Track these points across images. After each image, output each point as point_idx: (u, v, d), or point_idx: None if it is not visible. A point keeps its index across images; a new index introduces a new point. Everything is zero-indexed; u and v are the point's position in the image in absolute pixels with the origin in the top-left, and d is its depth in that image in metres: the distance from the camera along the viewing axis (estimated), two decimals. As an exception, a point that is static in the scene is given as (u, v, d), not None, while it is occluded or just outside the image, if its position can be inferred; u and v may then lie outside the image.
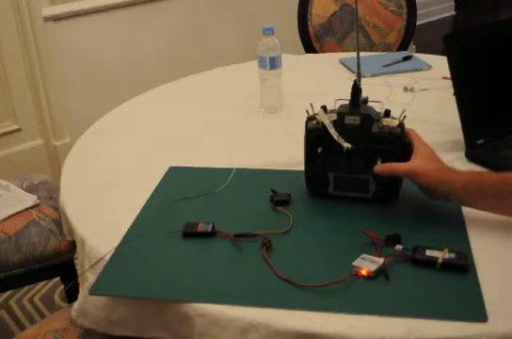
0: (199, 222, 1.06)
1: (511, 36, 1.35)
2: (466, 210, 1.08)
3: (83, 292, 1.03)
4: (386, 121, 1.06)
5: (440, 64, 1.73)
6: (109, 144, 1.44)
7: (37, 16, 2.48)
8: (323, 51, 2.42)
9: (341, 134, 1.06)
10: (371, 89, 1.50)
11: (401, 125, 1.06)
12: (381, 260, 0.93)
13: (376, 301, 0.88)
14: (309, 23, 2.41)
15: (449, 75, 1.29)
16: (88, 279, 1.02)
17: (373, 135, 1.05)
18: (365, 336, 0.83)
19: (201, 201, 1.16)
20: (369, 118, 1.05)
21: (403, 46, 2.43)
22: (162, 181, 1.24)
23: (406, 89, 1.66)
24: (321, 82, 1.75)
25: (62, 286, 1.98)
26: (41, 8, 2.50)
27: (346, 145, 1.05)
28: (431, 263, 0.93)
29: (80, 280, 1.10)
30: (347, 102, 1.08)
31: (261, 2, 3.20)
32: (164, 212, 1.13)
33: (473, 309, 0.85)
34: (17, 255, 1.47)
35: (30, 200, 1.58)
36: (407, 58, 1.90)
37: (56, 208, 1.52)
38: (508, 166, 1.17)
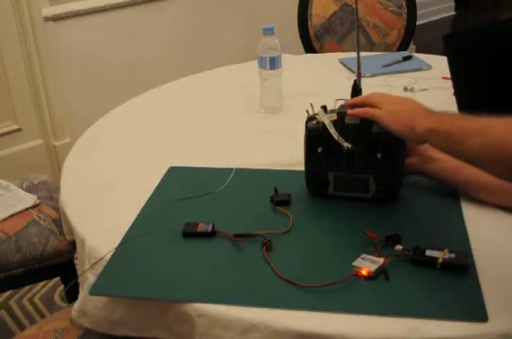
0: (199, 222, 1.06)
1: (511, 36, 1.35)
2: (466, 210, 1.08)
3: (83, 292, 1.03)
4: (386, 121, 1.06)
5: (440, 64, 1.74)
6: (109, 144, 1.44)
7: (37, 16, 2.48)
8: (323, 51, 2.42)
9: (341, 134, 1.06)
10: (371, 89, 1.50)
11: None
12: (381, 260, 0.93)
13: (377, 301, 0.88)
14: (309, 23, 2.41)
15: (449, 75, 1.29)
16: (88, 279, 1.02)
17: (373, 134, 1.05)
18: (366, 336, 0.83)
19: (201, 201, 1.16)
20: (369, 118, 1.05)
21: (403, 46, 2.43)
22: (162, 181, 1.24)
23: (406, 89, 1.66)
24: (321, 82, 1.75)
25: (62, 286, 1.98)
26: (41, 8, 2.50)
27: (346, 145, 1.05)
28: (431, 263, 0.93)
29: (80, 280, 1.10)
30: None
31: (261, 2, 3.20)
32: (164, 212, 1.13)
33: (474, 309, 0.85)
34: (17, 255, 1.47)
35: (30, 200, 1.58)
36: (407, 58, 1.90)
37: (56, 208, 1.52)
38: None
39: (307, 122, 1.10)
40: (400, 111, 0.98)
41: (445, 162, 1.07)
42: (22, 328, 1.90)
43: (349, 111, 1.04)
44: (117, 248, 1.02)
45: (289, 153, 1.29)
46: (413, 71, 1.81)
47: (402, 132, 0.97)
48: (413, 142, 1.04)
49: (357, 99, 1.08)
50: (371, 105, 1.02)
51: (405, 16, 2.41)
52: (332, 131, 1.06)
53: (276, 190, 1.15)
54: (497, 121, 0.83)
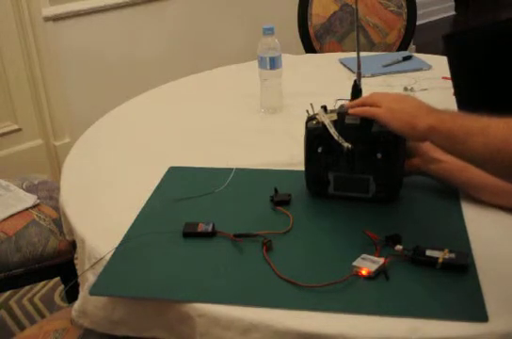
0: (199, 222, 1.06)
1: (511, 36, 1.35)
2: (466, 210, 1.08)
3: (83, 292, 1.03)
4: (386, 121, 1.06)
5: (440, 64, 1.73)
6: (109, 144, 1.44)
7: (37, 16, 2.48)
8: (323, 51, 2.42)
9: (341, 134, 1.06)
10: (371, 89, 1.50)
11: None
12: (381, 260, 0.93)
13: (377, 301, 0.88)
14: (309, 23, 2.41)
15: (449, 75, 1.29)
16: (88, 279, 1.02)
17: (373, 134, 1.05)
18: (366, 336, 0.83)
19: (201, 201, 1.16)
20: (369, 118, 1.05)
21: (403, 46, 2.43)
22: (162, 181, 1.24)
23: (406, 89, 1.66)
24: (321, 82, 1.75)
25: (62, 286, 1.98)
26: (41, 8, 2.50)
27: (347, 145, 1.05)
28: (431, 263, 0.93)
29: (80, 280, 1.10)
30: (347, 102, 1.08)
31: (261, 2, 3.20)
32: (164, 212, 1.13)
33: (474, 309, 0.85)
34: (17, 255, 1.47)
35: (30, 200, 1.58)
36: (407, 58, 1.90)
37: (56, 208, 1.52)
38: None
39: (307, 122, 1.10)
40: (401, 109, 0.97)
41: (448, 163, 1.07)
42: (22, 328, 1.90)
43: (350, 110, 1.04)
44: (117, 248, 1.02)
45: (289, 153, 1.29)
46: (413, 71, 1.81)
47: (402, 129, 0.96)
48: (413, 140, 1.04)
49: (357, 101, 1.07)
50: (371, 105, 1.02)
51: (405, 16, 2.41)
52: (332, 131, 1.06)
53: (276, 190, 1.15)
54: (498, 122, 0.83)
